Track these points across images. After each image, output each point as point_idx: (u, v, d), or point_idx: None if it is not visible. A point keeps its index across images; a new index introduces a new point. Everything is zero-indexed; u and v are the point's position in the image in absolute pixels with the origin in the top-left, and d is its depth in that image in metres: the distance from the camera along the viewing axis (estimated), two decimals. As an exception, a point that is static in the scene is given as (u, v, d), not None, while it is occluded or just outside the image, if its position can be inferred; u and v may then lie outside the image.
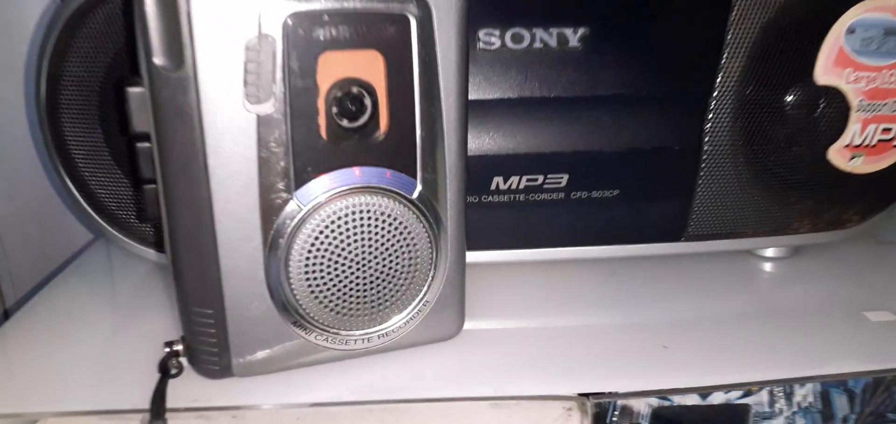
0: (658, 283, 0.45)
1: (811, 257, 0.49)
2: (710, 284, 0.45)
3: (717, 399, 0.38)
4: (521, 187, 0.41)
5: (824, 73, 0.41)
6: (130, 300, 0.44)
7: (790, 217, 0.45)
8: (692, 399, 0.37)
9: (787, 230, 0.45)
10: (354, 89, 0.31)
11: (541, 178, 0.41)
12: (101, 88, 0.41)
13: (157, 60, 0.29)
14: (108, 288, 0.46)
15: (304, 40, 0.30)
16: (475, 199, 0.41)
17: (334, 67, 0.31)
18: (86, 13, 0.39)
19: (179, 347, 0.35)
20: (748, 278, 0.47)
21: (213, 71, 0.29)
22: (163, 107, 0.29)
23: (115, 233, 0.44)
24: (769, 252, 0.48)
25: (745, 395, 0.38)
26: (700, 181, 0.42)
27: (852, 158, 0.43)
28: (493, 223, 0.42)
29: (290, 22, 0.29)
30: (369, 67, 0.31)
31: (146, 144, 0.31)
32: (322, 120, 0.31)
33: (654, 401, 0.37)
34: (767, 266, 0.48)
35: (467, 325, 0.39)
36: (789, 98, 0.42)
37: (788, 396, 0.39)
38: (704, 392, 0.37)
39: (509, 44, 0.39)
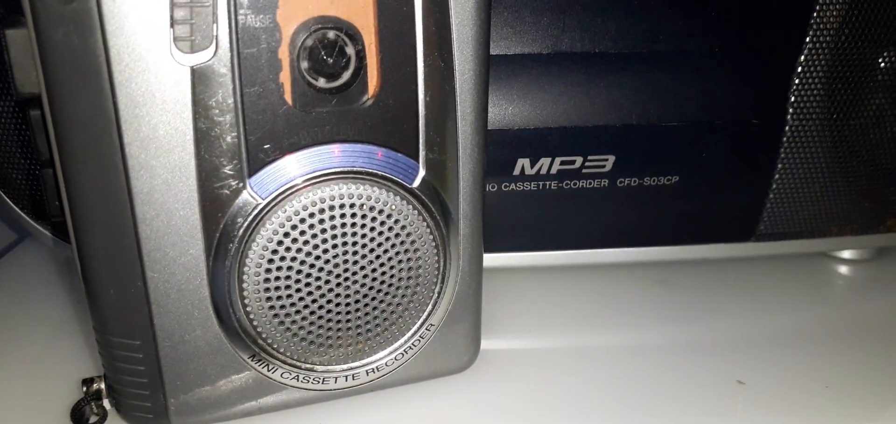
0: (718, 293, 0.36)
1: (889, 261, 0.40)
2: (779, 295, 0.37)
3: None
4: (554, 171, 0.32)
5: (941, 28, 0.32)
6: (56, 317, 0.35)
7: (885, 212, 0.36)
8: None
9: (880, 228, 0.36)
10: (332, 34, 0.22)
11: (579, 160, 0.32)
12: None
13: (43, -16, 0.20)
14: (28, 302, 0.37)
15: (257, -39, 0.21)
16: (495, 187, 0.32)
17: (303, 1, 0.21)
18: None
19: (100, 386, 0.26)
20: (825, 286, 0.38)
21: (126, 2, 0.20)
22: (55, 56, 0.20)
23: (42, 229, 0.35)
24: (847, 254, 0.40)
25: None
26: (780, 166, 0.33)
27: (968, 137, 0.34)
28: (518, 218, 0.33)
29: (237, -67, 0.20)
30: (353, 1, 0.22)
31: (38, 112, 0.22)
32: (285, 77, 0.22)
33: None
34: (845, 270, 0.40)
35: (484, 345, 0.30)
36: (892, 62, 0.33)
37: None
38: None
39: (541, -18, 0.30)
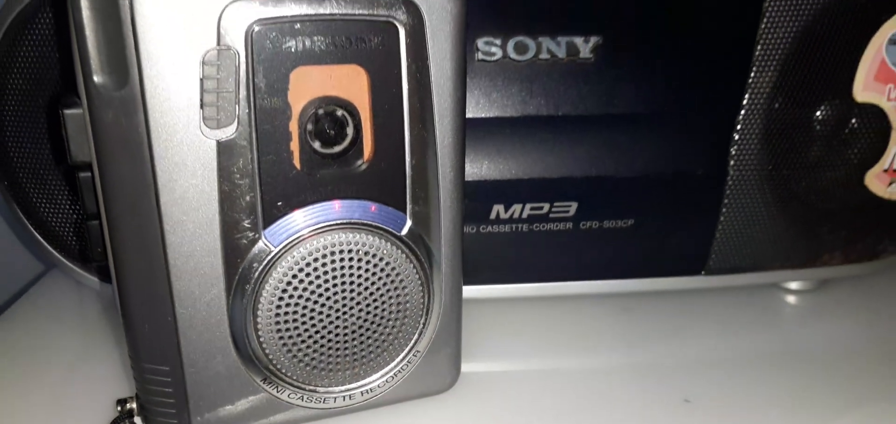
0: (674, 321, 0.41)
1: (841, 289, 0.45)
2: (730, 321, 0.41)
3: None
4: (525, 216, 0.36)
5: (864, 89, 0.37)
6: (84, 340, 0.39)
7: (821, 248, 0.40)
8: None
9: (817, 263, 0.41)
10: (333, 110, 0.27)
11: (546, 206, 0.36)
12: (50, 105, 0.36)
13: (97, 77, 0.24)
14: (58, 328, 0.41)
15: (272, 53, 0.25)
16: (473, 229, 0.37)
17: (309, 85, 0.26)
18: (30, 19, 0.35)
19: (132, 405, 0.30)
20: (771, 313, 0.42)
21: (164, 90, 0.24)
22: (105, 132, 0.25)
23: (70, 265, 0.40)
24: (794, 285, 0.44)
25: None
26: (724, 210, 0.38)
27: (892, 183, 0.39)
28: (493, 256, 0.38)
29: (255, 31, 0.25)
30: (350, 84, 0.27)
31: (87, 174, 0.27)
32: (295, 146, 0.26)
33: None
34: (792, 299, 0.44)
35: (464, 368, 0.34)
36: (823, 117, 0.37)
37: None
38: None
39: (512, 54, 0.34)
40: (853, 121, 0.37)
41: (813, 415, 0.33)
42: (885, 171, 0.38)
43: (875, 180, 0.39)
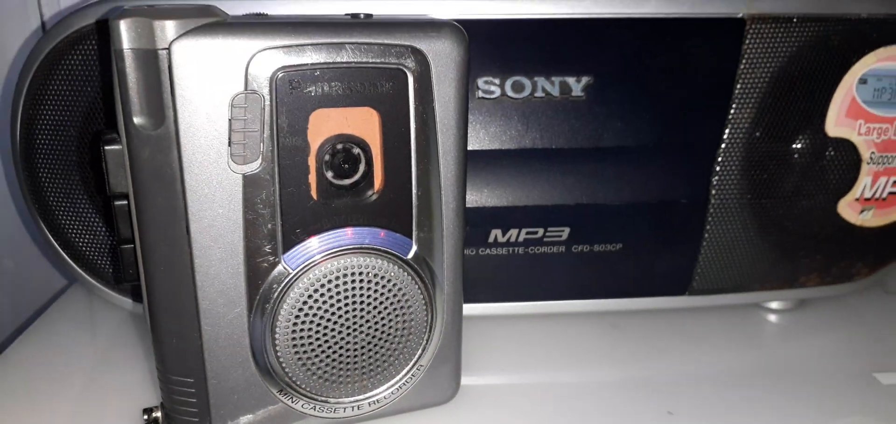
0: (661, 338, 0.43)
1: (819, 310, 0.47)
2: (714, 338, 0.44)
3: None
4: (521, 239, 0.39)
5: (836, 124, 0.40)
6: (106, 352, 0.42)
7: (798, 271, 0.43)
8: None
9: (795, 284, 0.44)
10: (347, 147, 0.29)
11: (541, 231, 0.39)
12: (79, 134, 0.39)
13: (137, 119, 0.27)
14: (83, 339, 0.43)
15: (293, 97, 0.28)
16: (472, 251, 0.39)
17: (326, 125, 0.29)
18: (62, 54, 0.37)
19: (158, 414, 0.33)
20: (753, 331, 0.45)
21: (197, 130, 0.27)
22: (142, 167, 0.28)
23: (94, 282, 0.42)
24: (775, 305, 0.47)
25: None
26: (706, 236, 0.41)
27: (863, 211, 0.42)
28: (491, 276, 0.41)
29: (279, 77, 0.27)
30: (363, 124, 0.29)
31: (124, 203, 0.29)
32: (313, 179, 0.29)
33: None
34: (773, 318, 0.47)
35: (464, 381, 0.37)
36: (799, 150, 0.40)
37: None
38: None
39: (510, 93, 0.37)
40: (827, 154, 0.40)
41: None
42: (857, 200, 0.41)
43: (848, 208, 0.41)
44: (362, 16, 0.30)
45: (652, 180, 0.39)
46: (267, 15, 0.30)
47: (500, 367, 0.41)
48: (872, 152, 0.40)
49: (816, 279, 0.44)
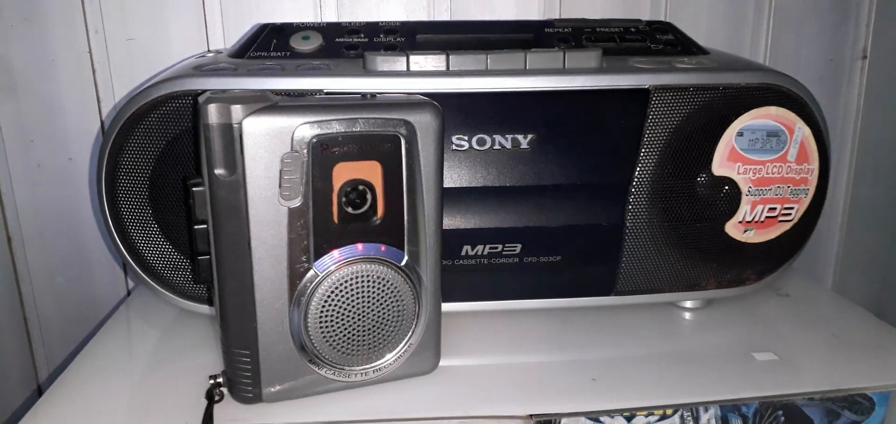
0: (594, 330, 0.56)
1: (723, 308, 0.60)
2: (637, 331, 0.56)
3: (639, 422, 0.49)
4: (485, 253, 0.52)
5: (720, 166, 0.53)
6: (169, 340, 0.55)
7: (699, 277, 0.56)
8: (619, 422, 0.48)
9: (698, 287, 0.57)
10: (359, 187, 0.42)
11: (500, 246, 0.52)
12: (151, 175, 0.51)
13: (217, 169, 0.40)
14: (149, 330, 0.56)
15: (323, 155, 0.41)
16: (449, 262, 0.52)
17: (345, 172, 0.42)
18: (139, 118, 0.50)
19: (221, 379, 0.45)
20: (669, 325, 0.58)
21: (257, 177, 0.40)
22: (219, 203, 0.40)
23: (157, 287, 0.55)
24: (688, 304, 0.59)
25: (662, 419, 0.49)
26: (625, 250, 0.53)
27: (745, 231, 0.55)
28: (464, 282, 0.53)
29: (314, 142, 0.40)
30: (370, 171, 0.42)
31: (204, 227, 0.42)
32: (335, 210, 0.42)
33: (590, 423, 0.48)
34: (687, 315, 0.59)
35: (443, 363, 0.49)
36: (692, 185, 0.53)
37: (696, 420, 0.50)
38: (628, 415, 0.48)
39: (475, 146, 0.50)
40: (713, 188, 0.53)
41: (691, 393, 0.48)
42: (740, 222, 0.54)
43: (733, 229, 0.55)
44: (369, 97, 0.43)
45: (581, 208, 0.52)
46: (308, 96, 0.43)
47: (470, 351, 0.53)
48: (750, 187, 0.54)
49: (714, 283, 0.57)
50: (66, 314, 0.84)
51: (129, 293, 0.82)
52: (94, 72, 0.76)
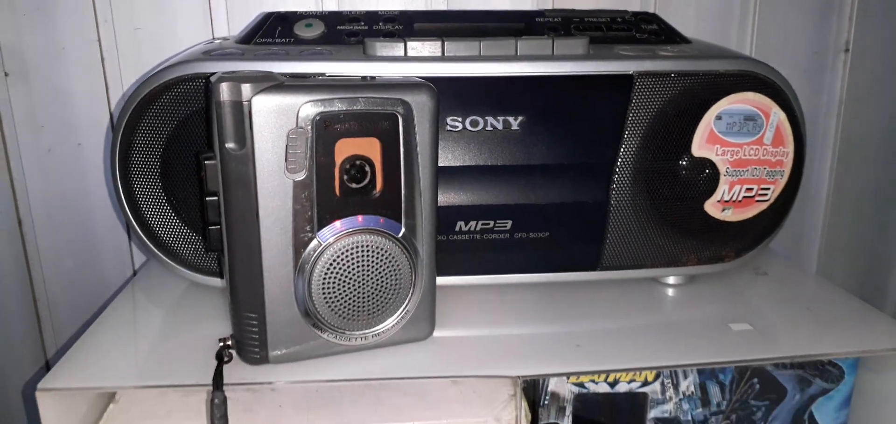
0: (580, 303, 0.59)
1: (703, 284, 0.63)
2: (621, 304, 0.59)
3: (622, 388, 0.52)
4: (478, 229, 0.55)
5: (699, 148, 0.56)
6: (179, 307, 0.58)
7: (680, 253, 0.59)
8: (604, 388, 0.52)
9: (679, 263, 0.60)
10: (359, 163, 0.45)
11: (492, 223, 0.55)
12: (163, 153, 0.54)
13: (228, 143, 0.43)
14: (161, 298, 0.59)
15: (326, 132, 0.44)
16: (444, 237, 0.55)
17: (346, 149, 0.45)
18: (152, 99, 0.52)
19: (230, 342, 0.48)
20: (652, 299, 0.61)
21: (265, 151, 0.43)
22: (230, 175, 0.43)
23: (168, 261, 0.58)
24: (670, 280, 0.62)
25: (643, 385, 0.52)
26: (609, 227, 0.56)
27: (724, 210, 0.58)
28: (458, 256, 0.56)
29: (317, 119, 0.43)
30: (370, 148, 0.45)
31: (215, 199, 0.45)
32: (337, 183, 0.45)
33: (575, 389, 0.51)
34: (669, 291, 0.62)
35: (437, 333, 0.52)
36: (674, 166, 0.56)
37: (676, 386, 0.53)
38: (611, 382, 0.51)
39: (469, 127, 0.53)
40: (693, 169, 0.57)
41: (669, 358, 0.51)
42: (718, 201, 0.58)
43: (712, 208, 0.58)
44: (369, 78, 0.46)
45: (568, 187, 0.55)
46: (313, 76, 0.46)
47: (463, 322, 0.56)
48: (728, 168, 0.57)
49: (694, 260, 0.60)
50: (74, 295, 0.87)
51: (134, 274, 0.85)
52: (102, 60, 0.79)
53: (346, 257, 0.46)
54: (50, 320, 0.87)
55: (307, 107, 0.43)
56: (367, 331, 0.49)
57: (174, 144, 0.54)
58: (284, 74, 0.46)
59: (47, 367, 0.88)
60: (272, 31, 0.58)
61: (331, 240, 0.46)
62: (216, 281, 0.57)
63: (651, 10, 0.81)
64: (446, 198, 0.54)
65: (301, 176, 0.44)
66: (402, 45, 0.52)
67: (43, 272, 0.86)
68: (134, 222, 0.56)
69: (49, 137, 0.81)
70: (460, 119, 0.53)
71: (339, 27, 0.59)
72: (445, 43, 0.52)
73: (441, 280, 0.53)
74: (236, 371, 0.47)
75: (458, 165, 0.54)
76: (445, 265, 0.55)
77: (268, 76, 0.43)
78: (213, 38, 0.69)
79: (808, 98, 0.91)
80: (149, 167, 0.55)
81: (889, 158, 0.96)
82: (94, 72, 0.79)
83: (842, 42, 0.90)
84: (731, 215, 0.59)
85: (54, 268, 0.86)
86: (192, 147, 0.53)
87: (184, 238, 0.57)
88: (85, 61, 0.79)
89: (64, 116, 0.80)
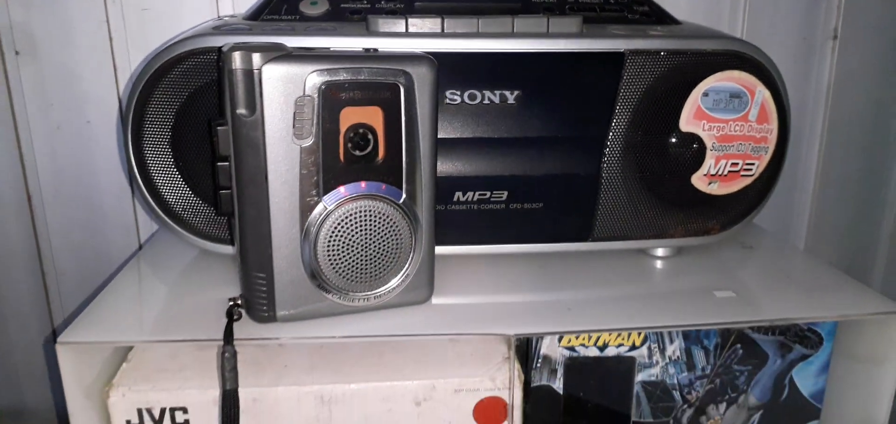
0: (572, 272, 0.62)
1: (691, 256, 0.65)
2: (611, 274, 0.62)
3: (611, 352, 0.55)
4: (475, 199, 0.58)
5: (687, 123, 0.58)
6: (189, 273, 0.60)
7: (667, 225, 0.62)
8: (593, 353, 0.54)
9: (666, 235, 0.62)
10: (362, 130, 0.48)
11: (488, 193, 0.58)
12: (174, 125, 0.56)
13: (239, 109, 0.45)
14: (171, 262, 0.62)
15: (331, 100, 0.46)
16: (442, 207, 0.58)
17: (350, 116, 0.47)
18: (164, 72, 0.55)
19: (239, 301, 0.51)
20: (641, 270, 0.63)
21: (274, 118, 0.45)
22: (240, 140, 0.46)
23: (177, 228, 0.60)
24: (659, 252, 0.65)
25: (631, 350, 0.55)
26: (600, 199, 0.59)
27: (710, 183, 0.61)
28: (456, 225, 0.59)
29: (323, 88, 0.46)
30: (373, 116, 0.48)
31: (226, 163, 0.48)
32: (341, 150, 0.48)
33: (566, 352, 0.54)
34: (658, 263, 0.65)
35: (435, 299, 0.55)
36: (663, 140, 0.59)
37: (662, 351, 0.56)
38: (601, 346, 0.54)
39: (466, 100, 0.56)
40: (681, 144, 0.59)
41: (654, 320, 0.54)
42: (705, 175, 0.60)
43: (699, 181, 0.60)
44: (372, 50, 0.49)
45: (561, 160, 0.57)
46: (317, 49, 0.49)
47: (460, 289, 0.58)
48: (714, 142, 0.59)
49: (681, 232, 0.62)
50: (81, 268, 0.90)
51: (140, 248, 0.88)
52: (111, 39, 0.81)
53: (350, 221, 0.49)
54: (58, 290, 0.90)
55: (314, 76, 0.45)
56: (369, 293, 0.51)
57: (185, 115, 0.56)
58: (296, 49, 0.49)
59: (54, 336, 0.90)
60: (278, 9, 0.61)
61: (335, 204, 0.48)
62: (225, 248, 0.60)
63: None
64: (445, 168, 0.56)
65: (308, 142, 0.46)
66: (403, 21, 0.55)
67: (51, 246, 0.88)
68: (145, 191, 0.58)
69: (58, 115, 0.83)
70: (459, 93, 0.56)
71: (342, 5, 0.61)
72: (445, 20, 0.55)
73: (440, 250, 0.56)
74: (245, 328, 0.50)
75: (456, 137, 0.56)
76: (444, 234, 0.57)
77: (277, 46, 0.46)
78: (220, 17, 0.72)
79: (797, 84, 0.94)
80: (160, 138, 0.57)
81: (875, 143, 0.99)
82: (103, 51, 0.81)
83: (830, 29, 0.93)
84: (717, 189, 0.61)
85: (62, 242, 0.88)
86: (202, 119, 0.56)
87: (193, 207, 0.59)
88: (93, 41, 0.81)
89: (73, 94, 0.82)
